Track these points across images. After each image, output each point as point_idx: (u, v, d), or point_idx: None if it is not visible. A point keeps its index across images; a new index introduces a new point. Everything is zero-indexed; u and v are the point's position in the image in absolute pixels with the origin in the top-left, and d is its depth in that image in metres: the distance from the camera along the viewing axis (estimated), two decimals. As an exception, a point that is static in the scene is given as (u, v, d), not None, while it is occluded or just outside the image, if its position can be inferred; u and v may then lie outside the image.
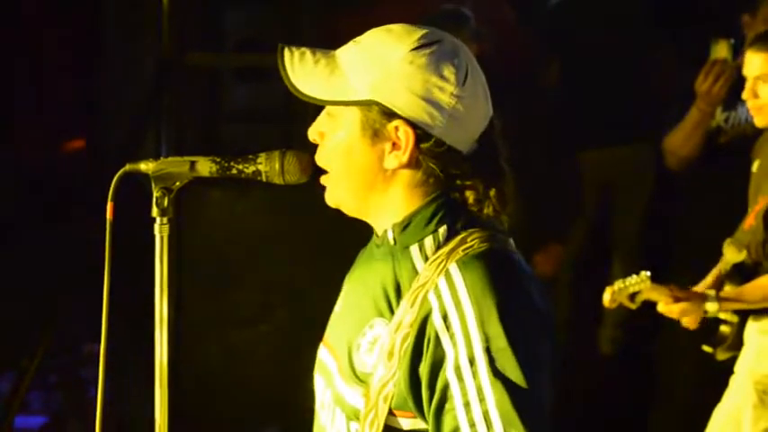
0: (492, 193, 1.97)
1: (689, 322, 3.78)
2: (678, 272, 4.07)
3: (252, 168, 2.05)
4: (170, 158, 2.07)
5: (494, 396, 1.83)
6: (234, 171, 2.06)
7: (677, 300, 3.75)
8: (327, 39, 2.14)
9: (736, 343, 3.89)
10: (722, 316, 3.87)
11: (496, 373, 1.84)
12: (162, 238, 2.07)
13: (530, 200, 4.52)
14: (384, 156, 1.96)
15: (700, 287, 3.87)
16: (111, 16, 7.80)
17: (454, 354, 1.86)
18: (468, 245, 1.92)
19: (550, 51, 5.44)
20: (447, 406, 1.87)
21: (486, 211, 1.97)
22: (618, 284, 3.76)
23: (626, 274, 3.83)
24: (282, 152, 2.05)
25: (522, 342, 1.86)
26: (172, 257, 2.09)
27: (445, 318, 1.88)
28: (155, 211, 2.07)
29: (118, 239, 2.07)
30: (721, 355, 3.92)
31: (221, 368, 5.33)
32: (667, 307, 3.77)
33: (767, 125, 3.90)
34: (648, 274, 3.76)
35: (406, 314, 1.92)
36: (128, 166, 2.08)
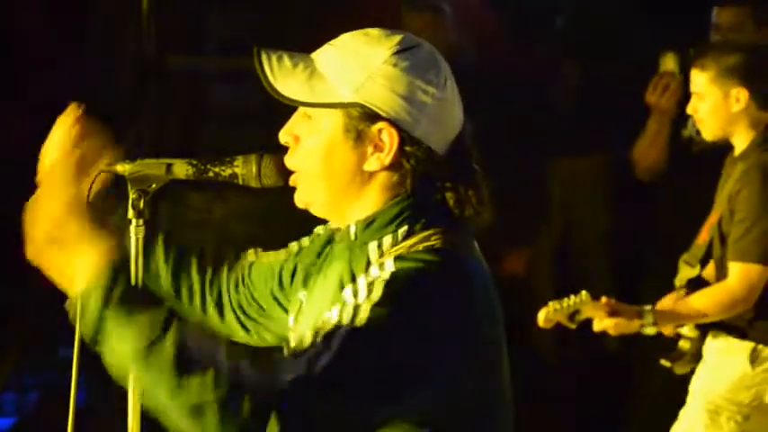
0: (471, 193, 1.98)
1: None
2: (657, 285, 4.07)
3: (228, 171, 2.04)
4: (146, 160, 2.06)
5: (337, 348, 1.79)
6: (210, 174, 2.05)
7: (612, 314, 3.76)
8: (311, 40, 2.11)
9: (695, 357, 3.89)
10: (682, 331, 3.88)
11: (356, 329, 1.81)
12: (137, 240, 2.05)
13: (501, 202, 4.52)
14: (366, 158, 1.97)
15: (665, 301, 3.87)
16: (92, 18, 7.78)
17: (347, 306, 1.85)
18: (416, 244, 1.93)
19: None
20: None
21: (467, 212, 1.98)
22: (553, 305, 3.77)
23: (598, 269, 3.84)
24: (259, 155, 2.04)
25: (404, 330, 1.83)
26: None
27: (354, 284, 1.90)
28: (130, 213, 2.05)
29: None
30: (679, 369, 3.93)
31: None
32: (602, 322, 3.78)
33: (711, 139, 3.92)
34: (586, 293, 3.78)
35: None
36: (104, 168, 2.06)
